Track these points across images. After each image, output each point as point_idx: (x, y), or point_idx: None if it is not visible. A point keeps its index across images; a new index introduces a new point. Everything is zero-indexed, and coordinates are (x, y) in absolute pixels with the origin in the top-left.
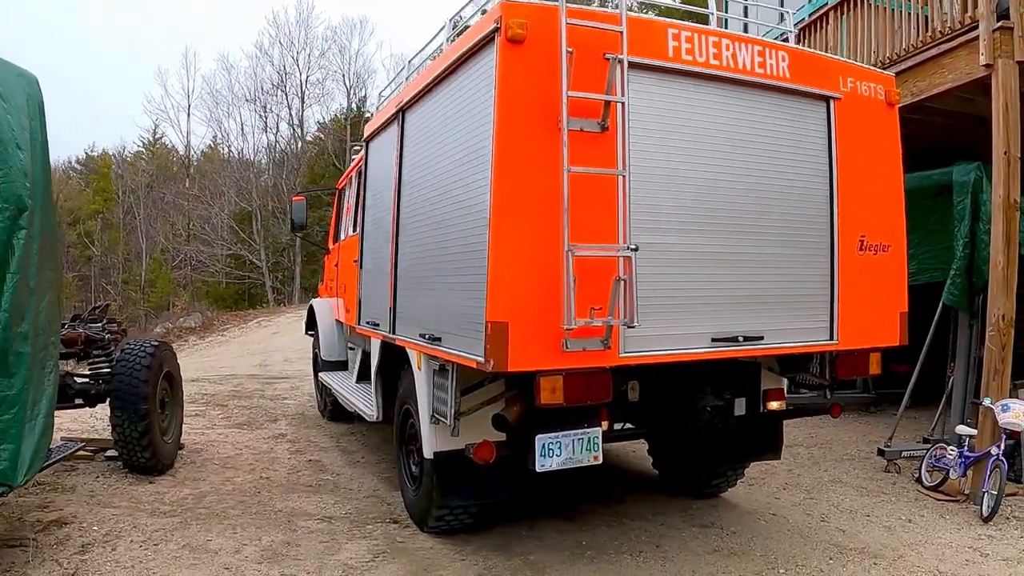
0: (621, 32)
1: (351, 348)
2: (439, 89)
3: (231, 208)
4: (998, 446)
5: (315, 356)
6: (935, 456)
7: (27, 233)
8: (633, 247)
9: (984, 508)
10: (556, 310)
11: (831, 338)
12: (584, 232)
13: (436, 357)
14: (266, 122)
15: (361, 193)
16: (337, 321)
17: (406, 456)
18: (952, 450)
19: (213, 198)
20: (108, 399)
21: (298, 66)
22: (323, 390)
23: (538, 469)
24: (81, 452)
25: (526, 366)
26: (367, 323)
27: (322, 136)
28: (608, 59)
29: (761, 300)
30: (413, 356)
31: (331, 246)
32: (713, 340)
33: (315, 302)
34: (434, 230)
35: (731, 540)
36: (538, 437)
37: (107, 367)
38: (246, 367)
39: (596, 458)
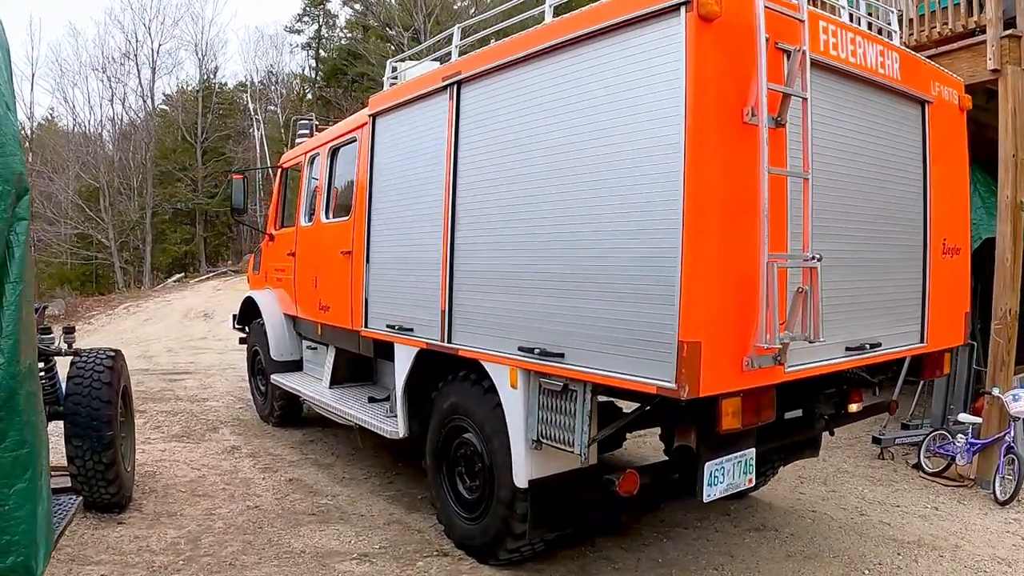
0: (802, 21)
1: (311, 348)
2: (566, 58)
3: (76, 184)
4: (1010, 433)
5: (253, 355)
6: (935, 443)
7: (28, 226)
8: (817, 256)
9: (999, 492)
10: (742, 326)
11: (921, 340)
12: (752, 238)
13: (554, 376)
14: (113, 92)
15: (362, 175)
16: (287, 316)
17: (453, 480)
18: (961, 438)
19: (56, 173)
20: (64, 423)
21: (150, 34)
22: (270, 393)
23: (705, 499)
24: None
25: (714, 389)
26: (387, 327)
27: (168, 108)
28: (782, 49)
29: (877, 305)
30: (499, 372)
31: (273, 231)
32: (847, 349)
33: (256, 294)
34: (551, 223)
35: (795, 543)
36: (707, 464)
37: (51, 383)
38: (130, 359)
39: (751, 481)
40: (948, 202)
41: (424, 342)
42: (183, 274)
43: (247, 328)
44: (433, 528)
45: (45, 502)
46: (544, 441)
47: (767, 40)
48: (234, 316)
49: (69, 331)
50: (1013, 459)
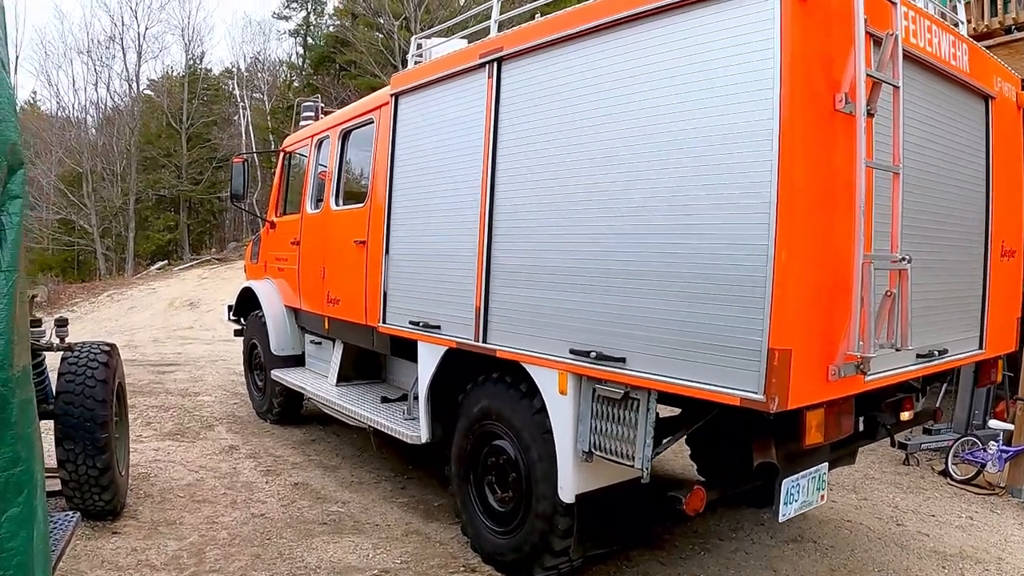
0: (894, 4)
1: (315, 342)
2: (633, 33)
3: (59, 169)
4: None
5: (250, 349)
6: (964, 449)
7: (22, 206)
8: (907, 257)
9: None
10: (831, 332)
11: (980, 347)
12: (845, 236)
13: (613, 382)
14: (98, 76)
15: (380, 159)
16: (289, 308)
17: (482, 490)
18: (992, 444)
19: (39, 157)
20: (55, 424)
21: (136, 18)
22: (268, 390)
23: (781, 519)
24: None
25: (802, 401)
26: (410, 324)
27: (153, 94)
28: (871, 34)
29: (943, 310)
30: (545, 376)
31: (275, 218)
32: (917, 356)
33: (255, 285)
34: (612, 214)
35: (836, 556)
36: (785, 482)
37: (40, 379)
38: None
39: (823, 497)
40: (1006, 203)
41: (454, 341)
42: (166, 261)
43: (243, 320)
44: (456, 540)
45: (41, 524)
46: (597, 453)
47: (865, 21)
48: (229, 307)
49: (62, 324)
50: None
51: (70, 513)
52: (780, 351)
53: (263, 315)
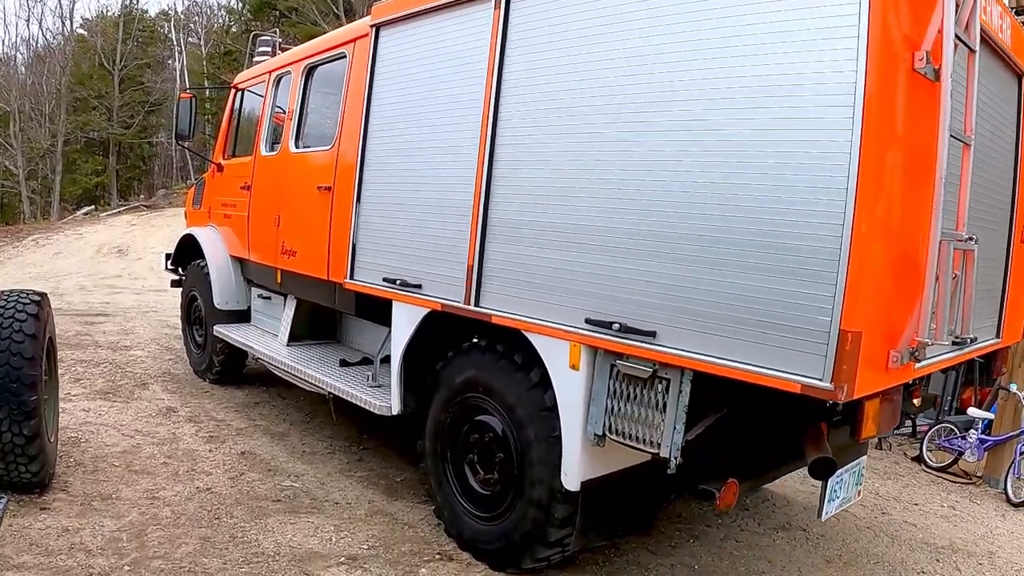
0: None
1: (264, 297)
2: None
3: None
4: None
5: (189, 301)
6: (941, 436)
7: None
8: (974, 237)
9: (1012, 494)
10: (899, 315)
11: (997, 336)
12: (920, 211)
13: (639, 358)
14: (30, 11)
15: (353, 97)
16: (235, 258)
17: (461, 469)
18: (972, 433)
19: None
20: None
21: None
22: (208, 346)
23: (823, 517)
24: None
25: (864, 390)
26: (384, 281)
27: (86, 33)
28: None
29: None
30: (552, 347)
31: (222, 160)
32: (953, 343)
33: (197, 232)
34: (648, 169)
35: (829, 546)
36: (831, 478)
37: None
38: None
39: (859, 493)
40: None
41: (438, 302)
42: (93, 207)
43: (182, 270)
44: (426, 522)
45: None
46: (612, 437)
47: None
48: (167, 255)
49: None
50: None
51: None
52: (852, 334)
53: (206, 265)
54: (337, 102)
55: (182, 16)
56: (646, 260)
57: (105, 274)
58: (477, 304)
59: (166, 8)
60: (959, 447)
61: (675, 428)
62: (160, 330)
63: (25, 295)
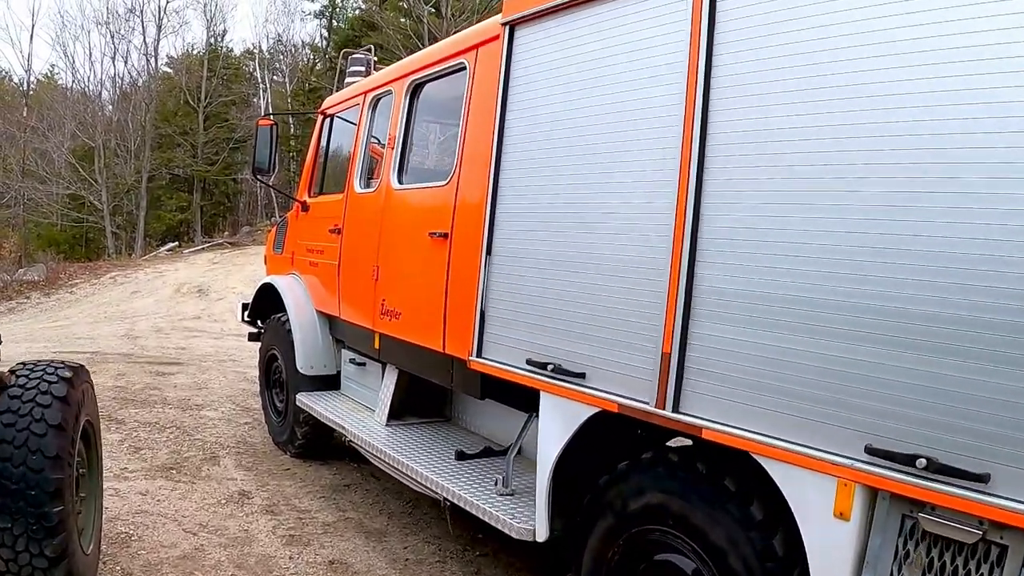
0: None
1: (357, 363)
2: None
3: (71, 143)
4: None
5: (268, 361)
6: None
7: None
8: None
9: None
10: None
11: None
12: None
13: (958, 513)
14: (116, 49)
15: (478, 120)
16: (322, 314)
17: None
18: None
19: (51, 130)
20: None
21: None
22: (290, 415)
23: None
24: None
25: None
26: (527, 364)
27: (171, 71)
28: None
29: None
30: (803, 483)
31: (307, 198)
32: None
33: (278, 281)
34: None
35: None
36: None
37: None
38: (112, 340)
39: None
40: None
41: (612, 401)
42: (177, 243)
43: (261, 323)
44: None
45: None
46: None
47: None
48: (244, 306)
49: None
50: None
51: None
52: None
53: (287, 320)
54: (455, 125)
55: (267, 54)
56: (995, 365)
57: (183, 315)
58: (676, 408)
59: (251, 46)
60: None
61: None
62: (237, 384)
63: (52, 369)
